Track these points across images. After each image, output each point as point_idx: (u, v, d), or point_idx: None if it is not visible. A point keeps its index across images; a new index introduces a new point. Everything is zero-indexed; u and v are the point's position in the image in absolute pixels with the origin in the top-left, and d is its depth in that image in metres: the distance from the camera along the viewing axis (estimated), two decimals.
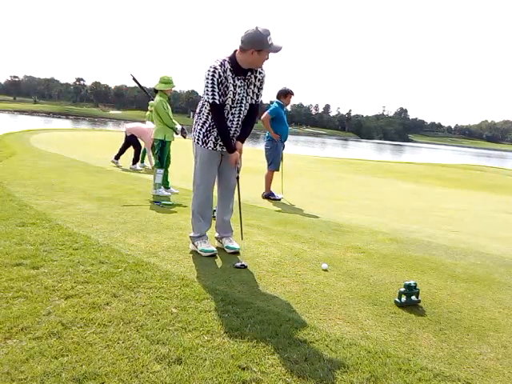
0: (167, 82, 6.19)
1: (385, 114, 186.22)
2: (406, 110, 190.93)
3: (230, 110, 3.24)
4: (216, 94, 3.09)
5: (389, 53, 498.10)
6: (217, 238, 3.66)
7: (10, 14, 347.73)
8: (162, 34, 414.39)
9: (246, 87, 3.23)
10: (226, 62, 3.13)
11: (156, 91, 6.32)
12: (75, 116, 78.02)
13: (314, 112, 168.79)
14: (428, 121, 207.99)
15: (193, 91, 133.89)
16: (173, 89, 6.49)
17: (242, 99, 3.24)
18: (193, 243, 3.48)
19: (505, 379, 2.06)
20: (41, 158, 8.70)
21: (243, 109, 3.29)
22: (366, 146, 74.01)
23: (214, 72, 3.07)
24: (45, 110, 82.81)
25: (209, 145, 3.33)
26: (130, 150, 9.27)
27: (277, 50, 3.06)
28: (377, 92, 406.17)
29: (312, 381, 1.88)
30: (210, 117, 3.27)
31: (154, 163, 6.26)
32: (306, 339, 2.22)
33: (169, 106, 6.27)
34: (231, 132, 3.30)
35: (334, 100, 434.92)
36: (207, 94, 3.12)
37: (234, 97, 3.19)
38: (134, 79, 7.34)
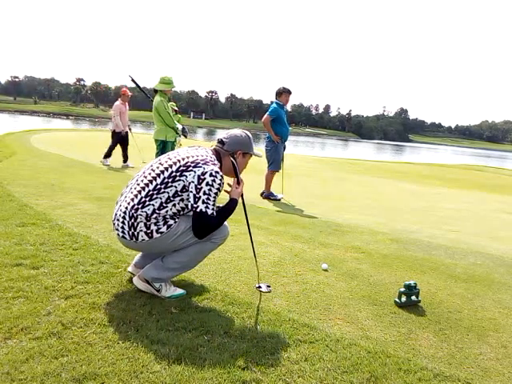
0: (168, 82, 6.21)
1: (385, 114, 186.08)
2: (406, 111, 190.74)
3: None
4: (214, 205, 2.51)
5: (389, 53, 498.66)
6: None
7: (10, 14, 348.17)
8: (162, 35, 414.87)
9: None
10: None
11: (156, 91, 6.33)
12: (76, 116, 78.01)
13: (314, 112, 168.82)
14: (428, 121, 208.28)
15: (193, 91, 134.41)
16: (173, 89, 6.52)
17: None
18: (156, 288, 2.58)
19: (505, 379, 2.06)
20: (41, 158, 8.70)
21: None
22: (366, 146, 74.00)
23: (221, 182, 2.51)
24: (45, 110, 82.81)
25: None
26: (118, 149, 9.34)
27: (259, 155, 2.87)
28: (377, 92, 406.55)
29: (312, 381, 1.88)
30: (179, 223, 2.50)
31: None
32: (306, 339, 2.22)
33: (169, 106, 6.29)
34: None
35: (334, 100, 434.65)
36: (207, 203, 2.43)
37: None
38: (132, 80, 7.33)
